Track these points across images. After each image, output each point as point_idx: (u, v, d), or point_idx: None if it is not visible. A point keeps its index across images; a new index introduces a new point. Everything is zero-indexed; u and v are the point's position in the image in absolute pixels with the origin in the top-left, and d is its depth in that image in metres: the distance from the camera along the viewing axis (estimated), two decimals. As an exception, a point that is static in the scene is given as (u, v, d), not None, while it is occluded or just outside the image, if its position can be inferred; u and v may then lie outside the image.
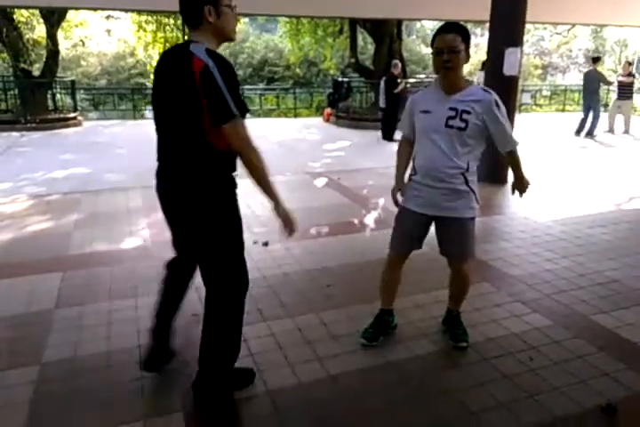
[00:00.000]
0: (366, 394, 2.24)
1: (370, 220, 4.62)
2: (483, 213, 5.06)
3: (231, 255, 2.08)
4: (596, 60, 10.65)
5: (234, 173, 2.05)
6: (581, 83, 10.76)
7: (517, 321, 2.83)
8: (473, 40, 29.74)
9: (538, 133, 10.62)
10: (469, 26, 24.93)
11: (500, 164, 6.12)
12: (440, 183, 2.34)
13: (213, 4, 1.90)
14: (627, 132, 10.56)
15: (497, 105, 2.28)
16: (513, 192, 2.59)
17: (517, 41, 5.80)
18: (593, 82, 10.17)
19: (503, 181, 6.13)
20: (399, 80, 9.62)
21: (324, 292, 3.19)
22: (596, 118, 10.23)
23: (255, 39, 27.66)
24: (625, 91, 10.50)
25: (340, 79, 14.43)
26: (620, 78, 10.48)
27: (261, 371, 2.36)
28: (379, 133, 10.02)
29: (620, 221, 4.62)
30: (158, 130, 2.03)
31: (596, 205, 5.18)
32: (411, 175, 2.49)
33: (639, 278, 3.39)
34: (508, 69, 5.76)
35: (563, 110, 15.96)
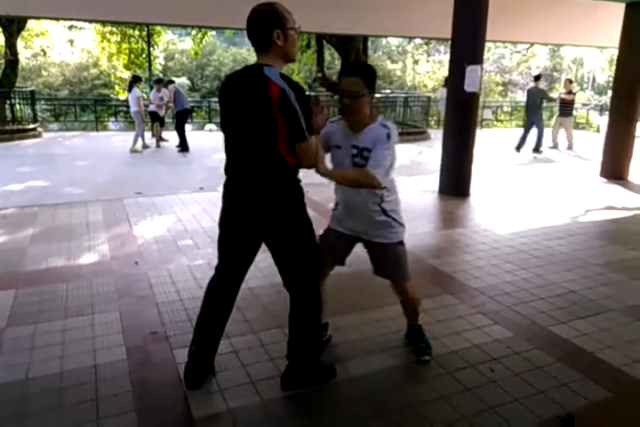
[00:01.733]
0: (329, 410, 2.21)
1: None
2: (445, 225, 5.20)
3: (312, 255, 2.25)
4: (537, 78, 11.04)
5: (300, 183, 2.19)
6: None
7: (479, 333, 2.86)
8: (436, 57, 30.25)
9: (495, 148, 10.92)
10: (433, 43, 25.67)
11: (462, 177, 6.30)
12: (359, 215, 2.38)
13: (281, 28, 2.00)
14: (570, 147, 10.93)
15: (388, 137, 2.21)
16: None
17: (478, 58, 5.98)
18: (535, 99, 10.50)
19: (465, 193, 6.28)
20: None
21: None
22: (540, 134, 10.55)
23: (222, 52, 27.67)
24: (566, 108, 10.88)
25: (307, 93, 14.54)
26: (562, 96, 10.86)
27: (223, 389, 2.31)
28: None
29: (576, 233, 4.77)
30: (230, 149, 2.16)
31: (553, 217, 5.34)
32: (335, 206, 2.53)
33: (594, 289, 3.49)
34: (469, 86, 5.92)
35: (523, 126, 16.45)
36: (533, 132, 10.50)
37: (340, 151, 2.33)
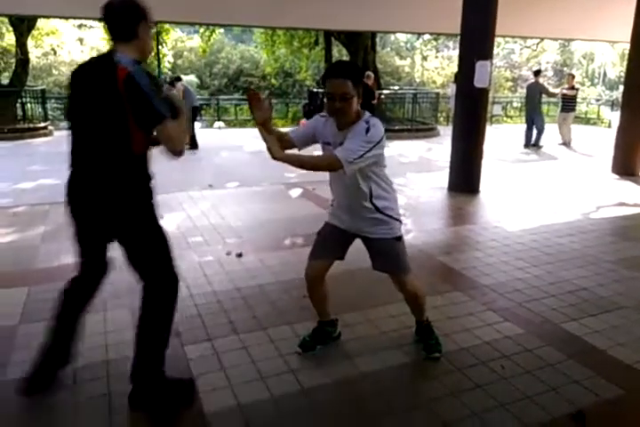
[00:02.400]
0: (340, 406, 2.22)
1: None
2: (455, 222, 5.17)
3: (161, 251, 2.12)
4: (537, 72, 10.92)
5: (151, 182, 2.11)
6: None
7: (489, 330, 2.85)
8: (445, 53, 30.12)
9: (505, 145, 10.85)
10: (442, 39, 25.51)
11: (472, 173, 6.26)
12: (353, 213, 2.37)
13: (146, 21, 1.99)
14: (568, 143, 10.83)
15: (366, 131, 2.14)
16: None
17: (487, 54, 5.93)
18: (534, 94, 10.39)
19: (475, 190, 6.25)
20: (375, 91, 9.73)
21: (299, 303, 3.16)
22: (539, 129, 10.44)
23: (231, 49, 27.70)
24: (569, 103, 10.76)
25: (315, 90, 14.53)
26: (565, 91, 10.73)
27: (233, 385, 2.32)
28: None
29: (588, 230, 4.73)
30: (75, 139, 2.05)
31: (564, 214, 5.30)
32: (332, 202, 2.53)
33: (606, 286, 3.47)
34: (479, 82, 5.88)
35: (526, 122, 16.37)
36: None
37: (328, 148, 2.31)
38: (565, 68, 29.04)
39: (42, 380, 2.22)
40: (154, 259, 2.12)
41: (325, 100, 2.20)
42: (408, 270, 2.49)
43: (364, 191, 2.30)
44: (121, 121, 1.89)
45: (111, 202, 2.00)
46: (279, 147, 2.13)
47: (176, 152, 1.94)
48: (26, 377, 2.20)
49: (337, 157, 2.10)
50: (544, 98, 10.91)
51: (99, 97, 1.90)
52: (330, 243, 2.51)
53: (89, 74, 1.97)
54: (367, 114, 2.27)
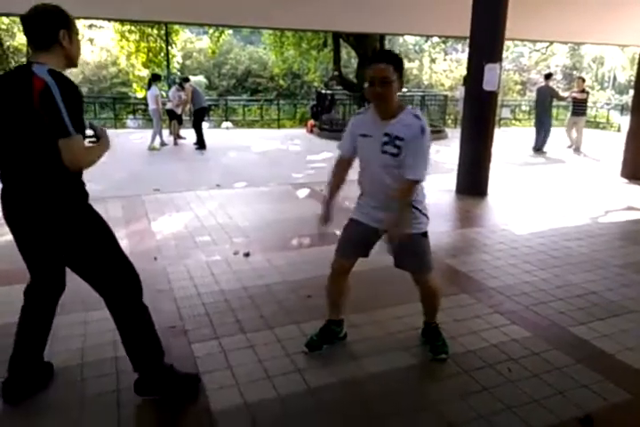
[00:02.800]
0: (346, 407, 2.22)
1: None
2: (463, 225, 5.16)
3: (108, 261, 2.08)
4: (547, 76, 10.82)
5: (83, 195, 2.04)
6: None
7: (496, 332, 2.84)
8: (454, 56, 30.06)
9: (513, 148, 10.81)
10: (450, 42, 25.48)
11: (480, 176, 6.25)
12: (383, 205, 2.35)
13: (68, 29, 1.93)
14: (577, 148, 10.64)
15: (422, 131, 2.22)
16: (388, 240, 2.33)
17: (497, 57, 5.92)
18: (545, 97, 10.28)
19: (483, 193, 6.24)
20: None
21: (305, 303, 3.17)
22: (546, 134, 10.31)
23: (239, 51, 27.79)
24: (579, 107, 10.60)
25: (323, 91, 14.55)
26: (575, 95, 10.60)
27: (240, 384, 2.33)
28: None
29: (596, 234, 4.70)
30: (1, 154, 1.96)
31: (572, 218, 5.27)
32: (359, 196, 2.52)
33: (615, 290, 3.44)
34: (488, 85, 5.87)
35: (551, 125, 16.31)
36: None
37: (367, 140, 2.32)
38: (575, 72, 28.91)
39: (18, 385, 2.19)
40: (102, 271, 2.07)
41: (366, 86, 2.24)
42: (431, 269, 2.50)
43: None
44: (41, 133, 1.83)
45: (42, 219, 1.94)
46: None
47: (73, 167, 1.85)
48: (3, 382, 2.18)
49: (412, 180, 2.23)
50: (554, 101, 10.84)
51: (15, 109, 1.85)
52: (355, 242, 2.51)
53: (4, 86, 1.90)
54: (409, 106, 2.33)
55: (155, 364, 2.19)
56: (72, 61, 2.01)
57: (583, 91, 10.61)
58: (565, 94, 11.23)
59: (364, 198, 2.48)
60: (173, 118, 11.07)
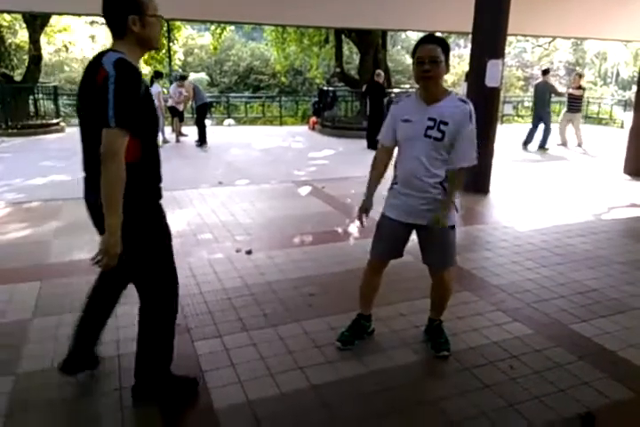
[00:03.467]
0: (348, 404, 2.23)
1: (354, 228, 4.63)
2: (465, 222, 5.15)
3: (157, 266, 2.08)
4: (545, 71, 10.63)
5: (159, 184, 2.05)
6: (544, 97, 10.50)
7: (498, 330, 2.85)
8: (456, 51, 29.91)
9: (515, 144, 10.75)
10: (453, 37, 25.37)
11: (483, 174, 6.23)
12: (419, 193, 2.36)
13: (138, 14, 1.90)
14: (579, 144, 10.50)
15: (471, 116, 2.29)
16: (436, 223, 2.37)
17: (499, 53, 5.89)
18: (543, 93, 10.11)
19: (486, 190, 6.23)
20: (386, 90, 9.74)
21: (307, 301, 3.18)
22: (547, 130, 10.13)
23: (241, 47, 27.71)
24: (575, 103, 10.45)
25: (325, 88, 14.52)
26: (571, 91, 10.44)
27: (242, 381, 2.34)
28: (364, 142, 10.08)
29: (599, 231, 4.70)
30: (82, 140, 2.00)
31: (575, 215, 5.26)
32: (392, 184, 2.50)
33: (618, 288, 3.44)
34: (490, 81, 5.85)
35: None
36: (541, 128, 10.12)
37: (409, 125, 2.34)
38: (578, 68, 28.77)
39: (77, 362, 2.30)
40: (151, 277, 2.08)
41: (414, 66, 2.29)
42: (454, 263, 2.55)
43: (442, 173, 2.33)
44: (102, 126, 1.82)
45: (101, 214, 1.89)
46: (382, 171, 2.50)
47: (103, 157, 1.80)
48: (64, 359, 2.28)
49: (464, 168, 2.31)
50: (555, 97, 10.72)
51: (86, 100, 1.90)
52: (389, 243, 2.53)
53: (84, 75, 1.95)
54: (454, 91, 2.39)
55: (161, 370, 2.18)
56: (149, 44, 1.99)
57: (580, 87, 10.43)
58: (564, 90, 11.07)
59: (398, 183, 2.46)
60: (175, 115, 11.07)
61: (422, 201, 2.37)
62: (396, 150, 2.52)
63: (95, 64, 1.88)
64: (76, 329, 2.30)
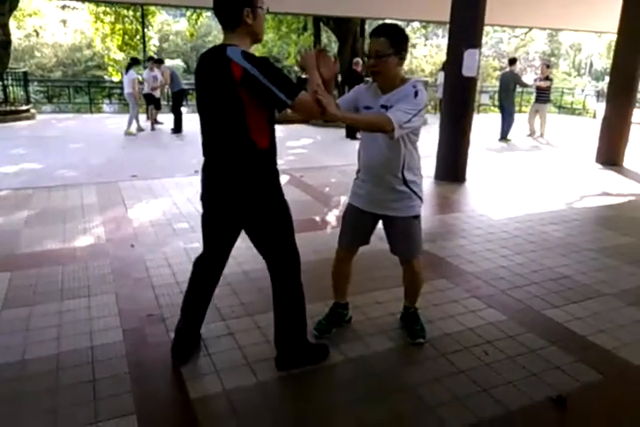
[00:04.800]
0: (326, 391, 2.24)
1: (332, 217, 4.63)
2: (441, 210, 5.20)
3: (286, 237, 2.24)
4: (512, 61, 10.29)
5: (278, 176, 2.21)
6: (521, 88, 10.51)
7: (473, 316, 2.89)
8: (435, 41, 29.85)
9: (491, 134, 10.85)
10: (431, 27, 25.38)
11: (459, 163, 6.29)
12: (380, 182, 2.37)
13: (251, 6, 1.97)
14: (542, 135, 10.44)
15: (415, 94, 2.18)
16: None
17: (476, 43, 5.92)
18: (508, 83, 9.87)
19: (462, 179, 6.29)
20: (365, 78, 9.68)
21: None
22: (510, 121, 9.89)
23: (218, 34, 27.26)
24: (542, 95, 10.32)
25: (303, 76, 14.40)
26: (538, 82, 10.31)
27: (219, 370, 2.33)
28: (342, 131, 10.06)
29: (571, 219, 4.79)
30: (204, 131, 2.14)
31: (548, 203, 5.36)
32: (356, 173, 2.52)
33: (588, 274, 3.52)
34: (467, 70, 5.87)
35: (519, 111, 16.43)
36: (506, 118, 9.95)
37: (370, 112, 2.32)
38: (553, 58, 29.15)
39: (187, 346, 2.43)
40: (279, 244, 2.23)
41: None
42: (420, 252, 2.57)
43: (399, 161, 2.31)
44: (239, 117, 1.97)
45: (237, 196, 2.09)
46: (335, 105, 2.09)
47: (311, 118, 2.16)
48: (172, 347, 2.42)
49: (390, 118, 2.09)
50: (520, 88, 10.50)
51: (218, 95, 1.99)
52: (355, 232, 2.55)
53: (207, 69, 2.02)
54: (413, 79, 2.32)
55: (300, 338, 2.34)
56: (257, 37, 2.09)
57: (547, 78, 10.29)
58: (530, 82, 10.87)
59: (360, 175, 2.49)
60: (150, 103, 10.86)
61: (383, 190, 2.38)
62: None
63: (220, 59, 1.93)
64: (183, 310, 2.43)
